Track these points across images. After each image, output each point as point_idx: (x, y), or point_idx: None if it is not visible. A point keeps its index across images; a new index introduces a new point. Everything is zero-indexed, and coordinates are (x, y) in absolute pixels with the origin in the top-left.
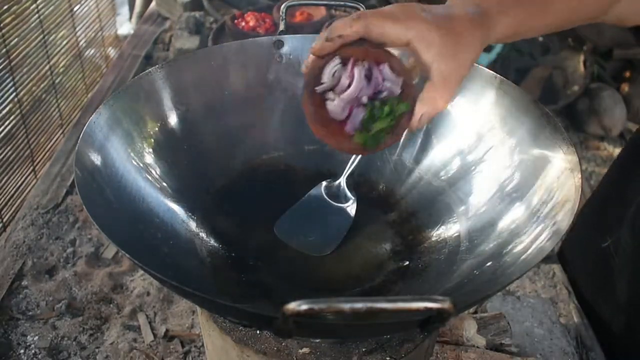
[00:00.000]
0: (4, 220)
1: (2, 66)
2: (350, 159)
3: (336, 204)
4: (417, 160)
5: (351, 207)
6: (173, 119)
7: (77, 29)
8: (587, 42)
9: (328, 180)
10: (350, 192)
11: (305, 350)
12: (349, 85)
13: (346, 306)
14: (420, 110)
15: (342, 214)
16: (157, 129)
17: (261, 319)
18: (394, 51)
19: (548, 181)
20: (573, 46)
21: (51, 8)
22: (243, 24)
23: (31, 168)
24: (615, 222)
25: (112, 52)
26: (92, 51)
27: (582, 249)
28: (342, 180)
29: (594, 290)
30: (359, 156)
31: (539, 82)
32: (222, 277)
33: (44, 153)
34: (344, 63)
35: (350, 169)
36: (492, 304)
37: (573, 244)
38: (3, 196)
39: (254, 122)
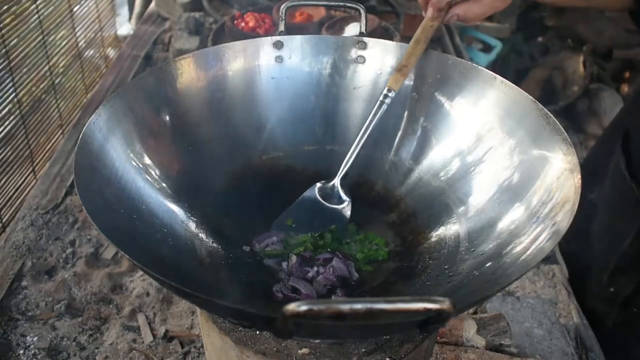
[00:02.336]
0: (4, 220)
1: (1, 66)
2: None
3: (330, 205)
4: (417, 160)
5: (346, 209)
6: (173, 119)
7: (77, 29)
8: (587, 43)
9: (322, 182)
10: (345, 193)
11: (305, 350)
12: None
13: (345, 307)
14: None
15: (337, 215)
16: (157, 129)
17: (261, 319)
18: None
19: (547, 182)
20: (573, 47)
21: (51, 8)
22: (243, 24)
23: (31, 168)
24: (600, 178)
25: (111, 52)
26: (92, 51)
27: None
28: (336, 182)
29: (576, 237)
30: (352, 158)
31: (538, 83)
32: (221, 277)
33: (43, 153)
34: None
35: (344, 170)
36: (492, 304)
37: None
38: (2, 196)
39: (254, 122)
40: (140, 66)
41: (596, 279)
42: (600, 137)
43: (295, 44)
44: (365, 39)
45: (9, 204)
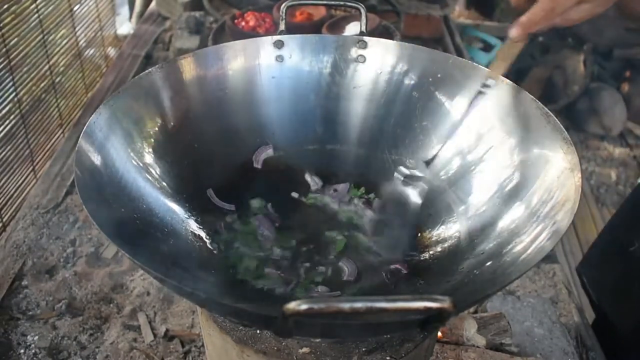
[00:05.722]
0: (4, 220)
1: (1, 66)
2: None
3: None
4: (417, 159)
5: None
6: (173, 119)
7: (77, 28)
8: (587, 42)
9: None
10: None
11: (305, 350)
12: None
13: (346, 306)
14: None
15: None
16: (157, 128)
17: (261, 318)
18: None
19: (548, 181)
20: (573, 46)
21: (51, 8)
22: (243, 23)
23: (31, 168)
24: None
25: (112, 51)
26: (92, 51)
27: (609, 255)
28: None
29: (616, 293)
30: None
31: (539, 82)
32: (222, 276)
33: (43, 153)
34: None
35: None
36: (492, 303)
37: (598, 252)
38: (3, 196)
39: (254, 121)
40: (140, 65)
41: None
42: None
43: (296, 43)
44: (366, 38)
45: (9, 203)
